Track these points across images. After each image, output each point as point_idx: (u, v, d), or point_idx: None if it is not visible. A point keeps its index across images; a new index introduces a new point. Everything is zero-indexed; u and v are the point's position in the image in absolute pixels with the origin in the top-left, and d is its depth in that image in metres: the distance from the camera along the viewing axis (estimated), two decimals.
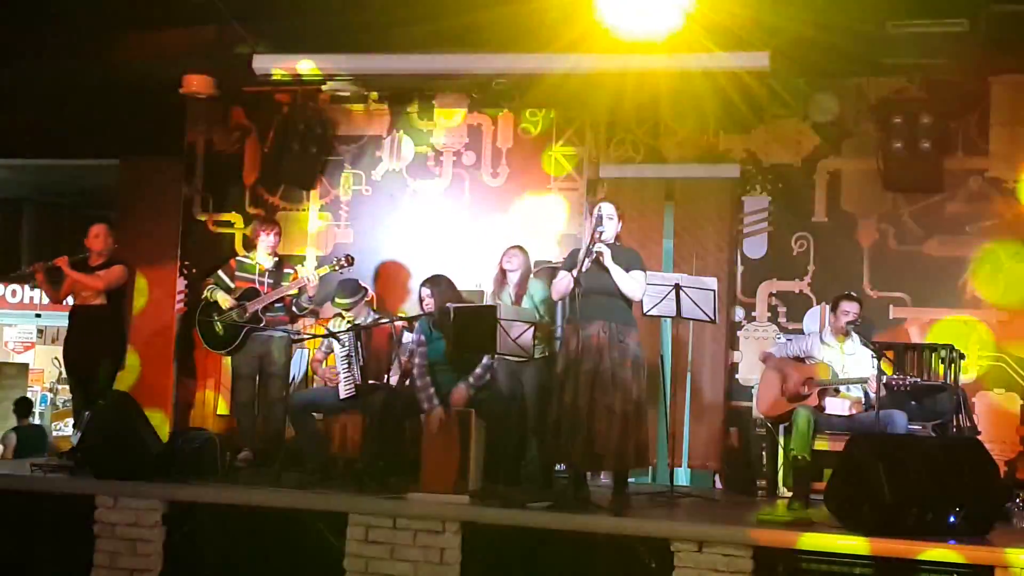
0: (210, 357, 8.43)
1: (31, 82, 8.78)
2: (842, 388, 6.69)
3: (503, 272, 7.01)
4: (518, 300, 6.91)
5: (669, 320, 7.21)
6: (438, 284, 6.82)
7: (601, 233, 6.11)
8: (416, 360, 6.71)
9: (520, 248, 7.13)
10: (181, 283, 8.88)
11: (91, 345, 7.49)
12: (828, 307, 7.15)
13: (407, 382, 6.82)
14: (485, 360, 6.60)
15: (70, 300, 7.71)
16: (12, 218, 12.08)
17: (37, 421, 12.61)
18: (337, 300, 7.29)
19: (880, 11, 6.66)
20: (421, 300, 6.87)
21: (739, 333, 7.94)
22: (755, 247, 7.98)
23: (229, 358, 7.88)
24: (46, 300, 13.60)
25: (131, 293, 8.35)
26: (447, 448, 6.29)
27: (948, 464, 5.42)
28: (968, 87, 7.65)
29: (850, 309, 6.78)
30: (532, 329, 6.24)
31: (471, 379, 6.55)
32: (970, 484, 5.38)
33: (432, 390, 6.54)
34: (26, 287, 13.77)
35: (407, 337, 7.06)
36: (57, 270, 7.54)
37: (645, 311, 6.58)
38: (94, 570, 6.08)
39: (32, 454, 9.75)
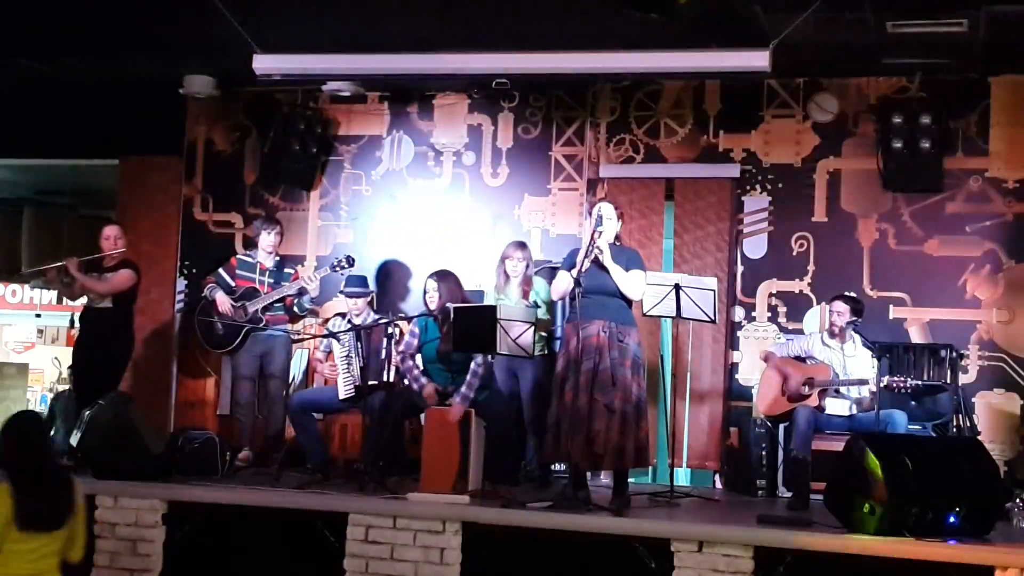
0: (210, 356, 8.43)
1: (32, 82, 8.78)
2: (842, 388, 6.69)
3: (506, 270, 7.03)
4: (525, 296, 6.93)
5: (669, 320, 7.21)
6: (445, 279, 6.83)
7: (600, 233, 6.11)
8: (401, 348, 6.74)
9: (522, 244, 7.15)
10: (181, 283, 8.89)
11: (96, 347, 7.50)
12: (827, 307, 7.16)
13: (404, 380, 6.84)
14: (475, 366, 6.58)
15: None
16: (12, 218, 12.07)
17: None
18: (345, 288, 7.33)
19: (880, 11, 6.65)
20: (425, 292, 6.88)
21: (739, 333, 7.95)
22: (755, 247, 7.99)
23: (229, 358, 7.89)
24: (46, 300, 13.62)
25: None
26: (447, 448, 6.29)
27: (948, 464, 5.42)
28: (968, 87, 7.65)
29: (840, 310, 6.79)
30: (532, 329, 6.24)
31: (464, 389, 6.53)
32: (970, 484, 5.38)
33: (417, 371, 6.70)
34: (26, 287, 13.76)
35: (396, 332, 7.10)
36: (66, 271, 7.55)
37: (645, 311, 6.58)
38: (94, 570, 6.06)
39: None
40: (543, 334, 6.95)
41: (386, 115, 8.75)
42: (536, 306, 6.91)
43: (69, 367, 10.55)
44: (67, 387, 10.95)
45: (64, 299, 8.08)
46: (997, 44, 7.03)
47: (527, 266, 7.02)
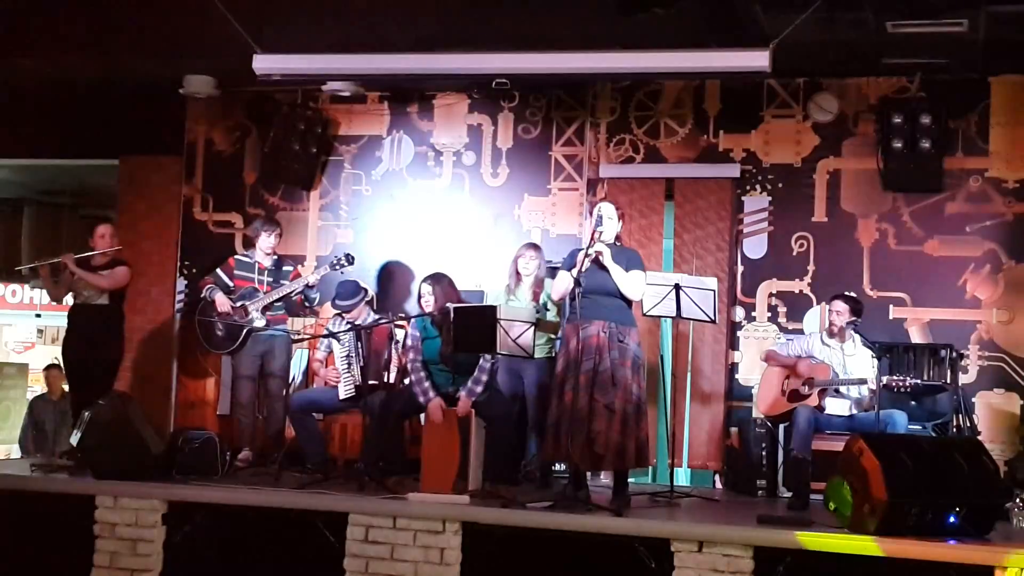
0: (210, 357, 8.43)
1: (31, 82, 8.78)
2: (842, 388, 6.69)
3: (518, 269, 7.02)
4: (535, 299, 6.92)
5: (669, 320, 7.21)
6: (439, 282, 6.82)
7: (601, 233, 6.11)
8: (411, 355, 6.73)
9: (535, 246, 7.14)
10: (181, 283, 8.89)
11: (93, 344, 7.49)
12: (827, 307, 7.16)
13: (404, 380, 6.83)
14: (483, 362, 6.59)
15: (68, 299, 7.71)
16: (12, 218, 12.09)
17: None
18: (337, 302, 7.29)
19: (880, 11, 6.65)
20: (420, 297, 6.87)
21: (739, 333, 7.95)
22: (755, 247, 7.99)
23: (230, 358, 7.88)
24: (46, 300, 13.62)
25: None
26: (447, 448, 6.29)
27: (948, 464, 5.42)
28: (968, 87, 7.65)
29: (839, 309, 6.79)
30: (532, 329, 6.24)
31: (471, 384, 6.53)
32: (970, 484, 5.38)
33: (427, 383, 6.59)
34: (26, 287, 13.76)
35: (401, 335, 7.08)
36: (61, 268, 7.54)
37: (645, 311, 6.58)
38: (94, 570, 6.08)
39: None
40: (552, 336, 6.94)
41: (386, 115, 8.75)
42: (547, 309, 6.91)
43: (47, 367, 10.59)
44: (44, 389, 10.94)
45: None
46: (997, 44, 7.03)
47: (539, 266, 7.00)
